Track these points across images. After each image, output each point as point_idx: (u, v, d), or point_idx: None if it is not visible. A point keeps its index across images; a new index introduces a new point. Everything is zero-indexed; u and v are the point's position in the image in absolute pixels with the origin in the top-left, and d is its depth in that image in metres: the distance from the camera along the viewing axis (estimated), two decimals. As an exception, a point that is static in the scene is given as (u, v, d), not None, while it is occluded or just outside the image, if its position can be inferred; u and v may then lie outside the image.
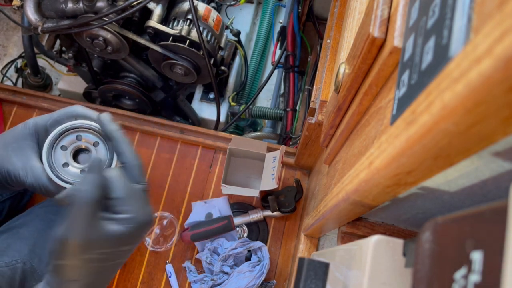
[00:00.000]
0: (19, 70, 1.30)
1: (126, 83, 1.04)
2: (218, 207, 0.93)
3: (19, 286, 0.62)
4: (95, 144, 0.52)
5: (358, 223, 0.45)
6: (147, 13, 0.95)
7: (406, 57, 0.28)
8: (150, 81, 1.08)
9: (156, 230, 0.95)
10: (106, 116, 0.51)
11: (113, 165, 0.52)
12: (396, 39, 0.30)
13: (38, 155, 0.50)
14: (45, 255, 0.67)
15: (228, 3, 1.24)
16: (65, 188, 0.49)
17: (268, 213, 0.91)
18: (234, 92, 1.16)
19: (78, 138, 0.51)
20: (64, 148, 0.51)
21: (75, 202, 0.41)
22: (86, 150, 0.52)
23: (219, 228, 0.88)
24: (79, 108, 0.52)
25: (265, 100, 1.29)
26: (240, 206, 0.96)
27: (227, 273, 0.87)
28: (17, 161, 0.48)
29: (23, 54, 1.26)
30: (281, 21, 1.28)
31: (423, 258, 0.22)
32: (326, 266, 0.39)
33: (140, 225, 0.44)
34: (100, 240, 0.42)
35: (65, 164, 0.51)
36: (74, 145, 0.51)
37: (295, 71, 1.13)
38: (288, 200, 0.91)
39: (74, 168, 0.51)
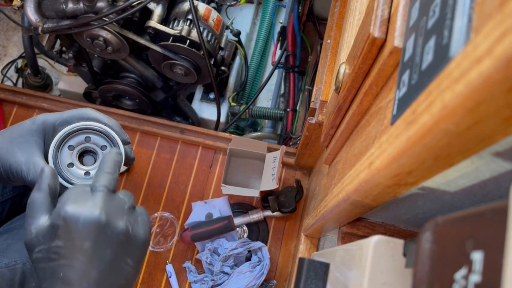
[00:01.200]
0: (19, 70, 1.30)
1: (126, 83, 1.04)
2: (218, 207, 0.93)
3: (18, 287, 0.62)
4: (103, 148, 0.52)
5: (358, 223, 0.45)
6: (147, 13, 0.95)
7: (406, 57, 0.28)
8: (150, 81, 1.08)
9: (156, 230, 0.95)
10: (115, 123, 0.51)
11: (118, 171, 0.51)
12: (396, 39, 0.30)
13: (43, 153, 0.49)
14: None
15: (228, 3, 1.24)
16: (66, 188, 0.48)
17: (268, 213, 0.91)
18: (234, 92, 1.16)
19: (87, 140, 0.51)
20: (71, 148, 0.50)
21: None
22: (92, 152, 0.52)
23: (219, 228, 0.88)
24: (90, 111, 0.52)
25: (265, 100, 1.29)
26: (240, 206, 0.96)
27: (227, 273, 0.87)
28: (21, 156, 0.47)
29: (23, 54, 1.26)
30: (281, 21, 1.28)
31: (424, 258, 0.22)
32: (326, 266, 0.39)
33: (61, 219, 0.41)
34: (34, 237, 0.42)
35: (70, 164, 0.50)
36: (81, 146, 0.51)
37: (295, 71, 1.13)
38: (288, 200, 0.91)
39: (78, 170, 0.51)
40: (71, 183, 0.49)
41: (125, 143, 0.53)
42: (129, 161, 0.55)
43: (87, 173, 0.51)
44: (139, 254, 0.45)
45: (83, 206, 0.41)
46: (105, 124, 0.51)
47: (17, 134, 0.48)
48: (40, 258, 0.41)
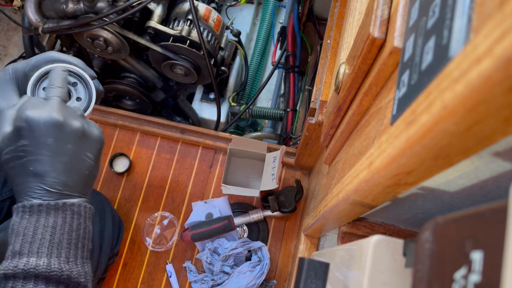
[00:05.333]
0: (19, 70, 1.30)
1: (126, 83, 1.04)
2: (219, 207, 0.93)
3: None
4: (74, 85, 0.57)
5: (358, 223, 0.45)
6: (148, 13, 0.95)
7: (406, 57, 0.28)
8: (151, 81, 1.08)
9: (157, 230, 0.95)
10: (80, 61, 0.57)
11: (92, 102, 0.57)
12: (396, 39, 0.30)
13: (20, 97, 0.54)
14: None
15: (228, 4, 1.24)
16: None
17: (268, 213, 0.91)
18: (234, 92, 1.16)
19: None
20: (45, 89, 0.54)
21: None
22: (69, 92, 0.56)
23: (219, 228, 0.88)
24: (54, 54, 0.56)
25: (265, 100, 1.29)
26: (240, 206, 0.96)
27: (227, 273, 0.87)
28: (2, 102, 0.52)
29: (24, 55, 1.26)
30: (281, 21, 1.28)
31: (423, 258, 0.22)
32: (326, 266, 0.39)
33: (23, 121, 0.47)
34: (0, 142, 0.47)
35: None
36: None
37: (295, 71, 1.13)
38: (288, 200, 0.91)
39: None
40: None
41: (92, 77, 0.58)
42: (99, 93, 0.60)
43: None
44: (96, 149, 0.53)
45: (42, 110, 0.48)
46: (71, 63, 0.56)
47: None
48: (9, 158, 0.47)
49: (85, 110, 0.56)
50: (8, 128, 0.48)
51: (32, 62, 0.55)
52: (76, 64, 0.57)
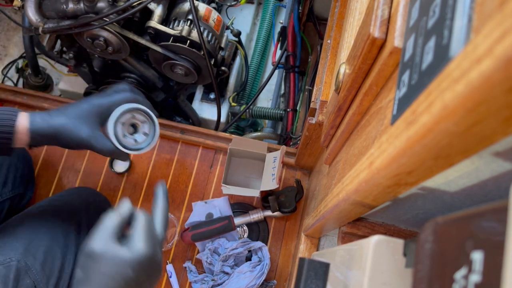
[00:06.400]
0: (20, 71, 1.30)
1: (126, 83, 1.04)
2: (219, 207, 0.93)
3: (13, 283, 0.62)
4: (143, 122, 0.71)
5: (358, 223, 0.45)
6: (148, 13, 0.95)
7: (406, 57, 0.28)
8: (151, 81, 1.08)
9: (157, 230, 0.95)
10: (148, 103, 0.71)
11: (154, 141, 0.72)
12: (396, 39, 0.30)
13: (100, 127, 0.67)
14: (39, 253, 0.68)
15: (228, 4, 1.24)
16: (123, 151, 0.68)
17: (268, 213, 0.91)
18: (234, 93, 1.16)
19: (132, 117, 0.70)
20: (122, 123, 0.69)
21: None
22: (136, 126, 0.71)
23: (220, 228, 0.88)
24: (131, 94, 0.70)
25: (265, 100, 1.29)
26: (240, 206, 0.96)
27: (227, 273, 0.87)
28: (87, 130, 0.64)
29: (24, 55, 1.26)
30: (281, 21, 1.28)
31: (424, 258, 0.22)
32: (326, 266, 0.39)
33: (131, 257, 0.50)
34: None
35: (124, 136, 0.69)
36: (129, 122, 0.70)
37: (296, 71, 1.13)
38: (288, 200, 0.91)
39: (129, 139, 0.70)
40: (128, 148, 0.69)
41: (157, 117, 0.72)
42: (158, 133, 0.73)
43: (136, 140, 0.71)
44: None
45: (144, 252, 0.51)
46: (142, 102, 0.71)
47: (80, 114, 0.65)
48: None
49: (149, 143, 0.71)
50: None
51: (113, 100, 0.67)
52: (146, 104, 0.70)
